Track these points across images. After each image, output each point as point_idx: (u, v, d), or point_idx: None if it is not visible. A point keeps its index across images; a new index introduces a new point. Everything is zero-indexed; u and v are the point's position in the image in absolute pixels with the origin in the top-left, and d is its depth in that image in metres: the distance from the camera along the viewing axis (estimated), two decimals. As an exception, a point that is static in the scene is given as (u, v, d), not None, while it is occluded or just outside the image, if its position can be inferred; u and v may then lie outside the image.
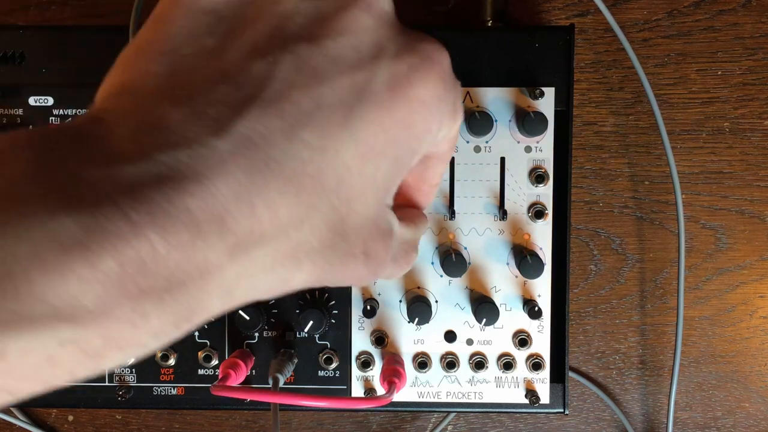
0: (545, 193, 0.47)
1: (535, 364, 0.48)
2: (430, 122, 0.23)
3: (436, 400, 0.49)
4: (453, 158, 0.47)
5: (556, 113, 0.47)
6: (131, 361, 0.21)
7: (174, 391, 0.49)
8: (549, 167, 0.47)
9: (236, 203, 0.18)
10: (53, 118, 0.47)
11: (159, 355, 0.48)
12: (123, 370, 0.49)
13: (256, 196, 0.19)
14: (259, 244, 0.20)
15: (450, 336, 0.48)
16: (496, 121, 0.47)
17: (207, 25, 0.21)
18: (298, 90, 0.20)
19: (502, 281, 0.48)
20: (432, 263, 0.48)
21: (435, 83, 0.23)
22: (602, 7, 0.50)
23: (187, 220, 0.18)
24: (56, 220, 0.16)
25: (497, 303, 0.47)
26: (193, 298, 0.19)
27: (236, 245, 0.19)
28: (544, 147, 0.47)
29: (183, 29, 0.21)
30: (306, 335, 0.48)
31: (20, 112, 0.47)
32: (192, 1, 0.21)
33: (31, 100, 0.47)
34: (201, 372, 0.49)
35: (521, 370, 0.48)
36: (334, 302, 0.48)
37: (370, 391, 0.49)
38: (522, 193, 0.47)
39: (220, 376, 0.46)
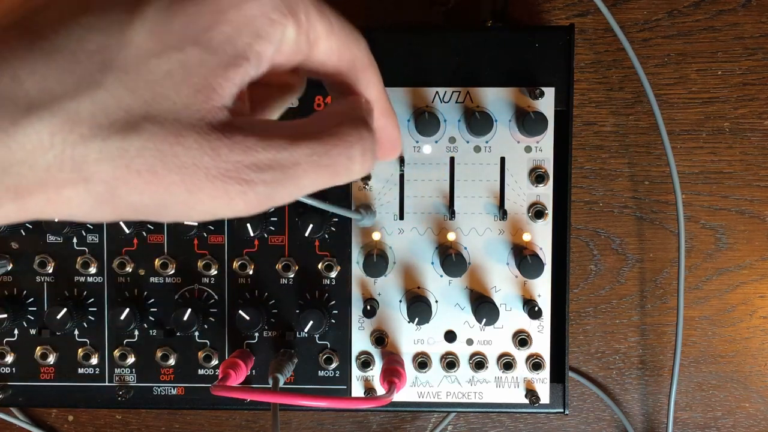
0: (545, 193, 0.47)
1: (535, 364, 0.48)
2: (246, 10, 0.22)
3: (436, 400, 0.49)
4: (453, 158, 0.47)
5: (556, 113, 0.47)
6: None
7: (174, 391, 0.49)
8: (549, 167, 0.47)
9: None
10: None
11: (159, 355, 0.48)
12: (123, 371, 0.49)
13: (19, 66, 0.20)
14: (28, 114, 0.20)
15: (450, 336, 0.48)
16: (496, 121, 0.47)
17: None
18: None
19: (502, 281, 0.48)
20: (432, 263, 0.48)
21: None
22: (602, 7, 0.50)
23: None
24: None
25: (497, 303, 0.47)
26: None
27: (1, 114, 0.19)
28: (544, 147, 0.47)
29: None
30: (306, 335, 0.48)
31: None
32: None
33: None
34: (201, 372, 0.49)
35: (521, 370, 0.48)
36: (334, 302, 0.48)
37: (370, 391, 0.49)
38: (522, 193, 0.47)
39: (220, 376, 0.46)
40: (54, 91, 0.20)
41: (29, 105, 0.20)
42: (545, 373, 0.48)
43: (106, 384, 0.49)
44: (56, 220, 0.46)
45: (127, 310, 0.47)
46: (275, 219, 0.48)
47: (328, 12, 0.25)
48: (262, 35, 0.23)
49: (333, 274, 0.48)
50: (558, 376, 0.49)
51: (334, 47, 0.26)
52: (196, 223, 0.47)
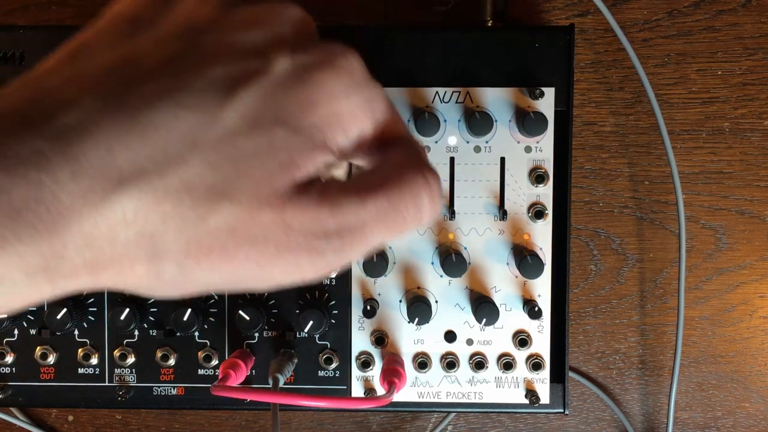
0: (545, 193, 0.47)
1: (535, 364, 0.48)
2: (334, 107, 0.23)
3: (436, 400, 0.49)
4: (453, 158, 0.47)
5: (556, 113, 0.47)
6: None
7: (174, 391, 0.49)
8: (549, 167, 0.47)
9: (93, 145, 0.19)
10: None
11: (159, 355, 0.48)
12: (123, 371, 0.49)
13: (115, 139, 0.19)
14: (117, 188, 0.20)
15: (450, 336, 0.48)
16: (496, 121, 0.47)
17: (122, 29, 0.23)
18: (185, 62, 0.22)
19: (502, 281, 0.48)
20: (432, 263, 0.48)
21: (339, 74, 0.24)
22: (602, 7, 0.50)
23: (30, 156, 0.18)
24: None
25: (497, 303, 0.47)
26: (45, 242, 0.19)
27: (91, 189, 0.19)
28: (544, 147, 0.47)
29: (101, 31, 0.24)
30: (306, 335, 0.48)
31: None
32: (117, 11, 0.24)
33: (31, 100, 0.47)
34: (201, 372, 0.49)
35: (521, 370, 0.48)
36: (334, 302, 0.48)
37: (370, 391, 0.49)
38: (522, 193, 0.47)
39: (220, 376, 0.46)
40: (144, 168, 0.20)
41: (120, 180, 0.19)
42: (545, 373, 0.48)
43: (106, 384, 0.49)
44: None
45: (127, 310, 0.47)
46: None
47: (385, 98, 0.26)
48: (346, 131, 0.24)
49: (333, 274, 0.48)
50: (558, 376, 0.49)
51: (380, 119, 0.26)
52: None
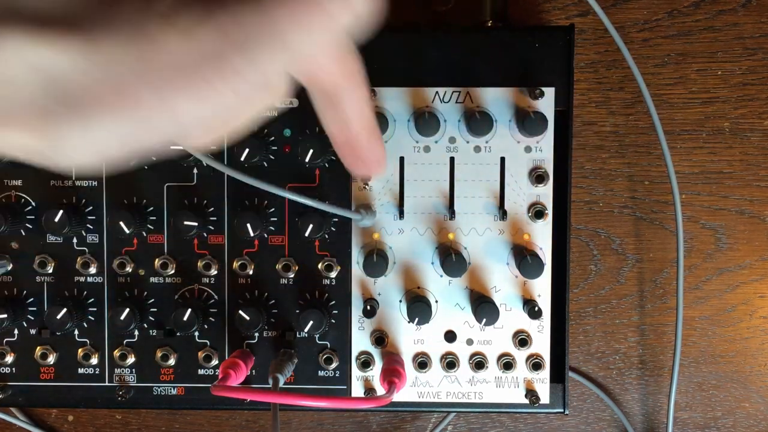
0: (545, 193, 0.47)
1: (535, 364, 0.48)
2: None
3: (436, 400, 0.49)
4: (453, 158, 0.47)
5: (556, 113, 0.47)
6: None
7: (174, 391, 0.49)
8: (549, 167, 0.47)
9: None
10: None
11: (159, 355, 0.48)
12: (123, 371, 0.49)
13: None
14: None
15: (450, 336, 0.48)
16: (496, 121, 0.47)
17: None
18: None
19: (502, 281, 0.48)
20: (432, 263, 0.48)
21: None
22: (598, 9, 0.50)
23: None
24: None
25: (497, 303, 0.47)
26: None
27: None
28: (544, 147, 0.47)
29: None
30: (306, 335, 0.48)
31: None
32: None
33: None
34: (201, 372, 0.49)
35: (521, 370, 0.48)
36: (334, 302, 0.48)
37: (370, 391, 0.49)
38: (522, 193, 0.47)
39: (220, 376, 0.46)
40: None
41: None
42: (545, 373, 0.48)
43: (106, 384, 0.49)
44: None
45: (127, 310, 0.47)
46: (275, 219, 0.48)
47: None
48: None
49: (333, 274, 0.48)
50: (558, 376, 0.49)
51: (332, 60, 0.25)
52: (195, 223, 0.47)
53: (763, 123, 0.55)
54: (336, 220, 0.48)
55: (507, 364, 0.48)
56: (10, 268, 0.48)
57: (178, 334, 0.48)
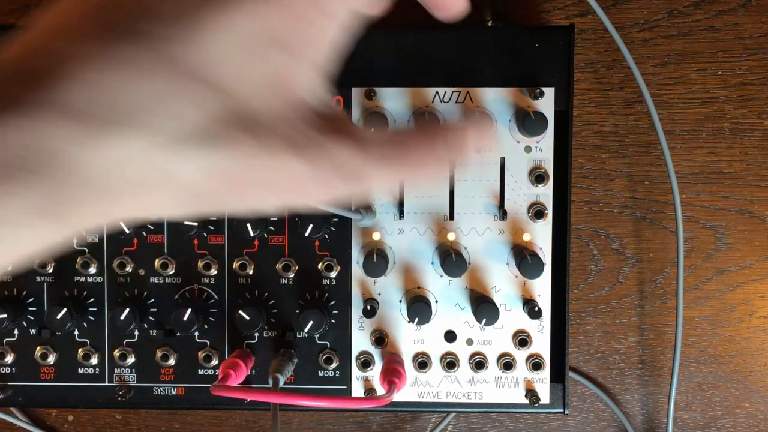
0: (545, 193, 0.47)
1: (535, 364, 0.48)
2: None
3: (436, 400, 0.49)
4: (453, 158, 0.47)
5: (556, 113, 0.47)
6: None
7: (174, 391, 0.49)
8: (549, 167, 0.47)
9: (78, 87, 0.19)
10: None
11: (159, 355, 0.48)
12: (123, 371, 0.49)
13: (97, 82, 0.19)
14: (120, 126, 0.19)
15: (450, 336, 0.48)
16: (496, 121, 0.47)
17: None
18: None
19: (502, 281, 0.48)
20: (432, 263, 0.48)
21: None
22: (598, 9, 0.50)
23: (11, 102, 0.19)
24: None
25: (497, 303, 0.47)
26: (41, 183, 0.19)
27: (80, 130, 0.19)
28: (544, 147, 0.47)
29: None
30: (306, 335, 0.48)
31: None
32: None
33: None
34: (201, 372, 0.49)
35: (521, 370, 0.48)
36: (334, 302, 0.48)
37: (370, 391, 0.49)
38: (522, 193, 0.47)
39: (220, 376, 0.46)
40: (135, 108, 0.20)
41: (115, 120, 0.20)
42: (545, 373, 0.48)
43: (106, 384, 0.49)
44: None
45: (127, 310, 0.47)
46: (275, 219, 0.48)
47: None
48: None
49: (333, 274, 0.48)
50: (558, 376, 0.49)
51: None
52: (195, 223, 0.47)
53: (763, 123, 0.55)
54: (336, 220, 0.48)
55: (507, 364, 0.48)
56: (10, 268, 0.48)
57: (178, 334, 0.48)
